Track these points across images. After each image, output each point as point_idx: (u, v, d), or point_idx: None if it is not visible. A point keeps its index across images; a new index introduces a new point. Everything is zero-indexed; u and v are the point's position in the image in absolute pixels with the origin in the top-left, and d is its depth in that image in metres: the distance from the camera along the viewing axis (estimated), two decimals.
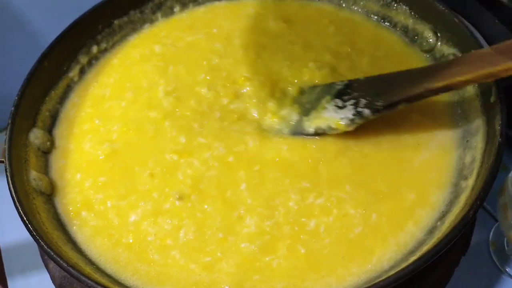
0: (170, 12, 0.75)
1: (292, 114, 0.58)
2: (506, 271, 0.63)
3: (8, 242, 0.72)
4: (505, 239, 0.63)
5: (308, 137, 0.57)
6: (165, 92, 0.63)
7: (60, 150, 0.61)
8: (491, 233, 0.66)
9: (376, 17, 0.70)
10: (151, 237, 0.52)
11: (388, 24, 0.69)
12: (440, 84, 0.51)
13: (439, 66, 0.54)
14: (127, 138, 0.60)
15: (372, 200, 0.52)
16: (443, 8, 0.62)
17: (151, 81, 0.65)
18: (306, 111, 0.58)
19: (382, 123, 0.56)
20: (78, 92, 0.67)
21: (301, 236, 0.50)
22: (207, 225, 0.52)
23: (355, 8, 0.71)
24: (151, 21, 0.74)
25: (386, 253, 0.48)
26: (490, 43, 0.56)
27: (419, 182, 0.53)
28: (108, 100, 0.64)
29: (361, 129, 0.55)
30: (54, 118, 0.64)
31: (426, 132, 0.57)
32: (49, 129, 0.63)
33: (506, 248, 0.63)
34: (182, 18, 0.74)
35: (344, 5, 0.72)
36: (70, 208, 0.56)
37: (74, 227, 0.54)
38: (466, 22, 0.61)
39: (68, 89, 0.67)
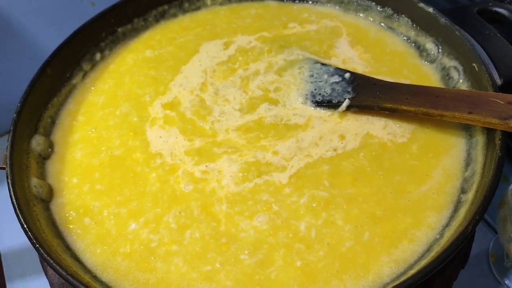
0: (173, 19, 0.76)
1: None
2: (505, 283, 0.63)
3: (8, 247, 0.72)
4: (505, 251, 0.63)
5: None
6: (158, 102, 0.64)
7: (58, 155, 0.61)
8: (491, 245, 0.66)
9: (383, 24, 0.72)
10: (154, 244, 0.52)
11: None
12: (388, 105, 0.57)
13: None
14: (124, 147, 0.60)
15: (366, 221, 0.51)
16: (445, 21, 0.62)
17: (143, 90, 0.66)
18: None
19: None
20: (76, 98, 0.67)
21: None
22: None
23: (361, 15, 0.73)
24: (153, 27, 0.75)
25: (382, 268, 0.48)
26: (492, 57, 0.56)
27: (416, 208, 0.52)
28: (101, 108, 0.65)
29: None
30: (54, 124, 0.64)
31: (433, 158, 0.56)
32: (49, 135, 0.63)
33: (505, 260, 0.63)
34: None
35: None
36: (68, 215, 0.55)
37: (74, 236, 0.53)
38: (468, 36, 0.61)
39: (70, 95, 0.67)
